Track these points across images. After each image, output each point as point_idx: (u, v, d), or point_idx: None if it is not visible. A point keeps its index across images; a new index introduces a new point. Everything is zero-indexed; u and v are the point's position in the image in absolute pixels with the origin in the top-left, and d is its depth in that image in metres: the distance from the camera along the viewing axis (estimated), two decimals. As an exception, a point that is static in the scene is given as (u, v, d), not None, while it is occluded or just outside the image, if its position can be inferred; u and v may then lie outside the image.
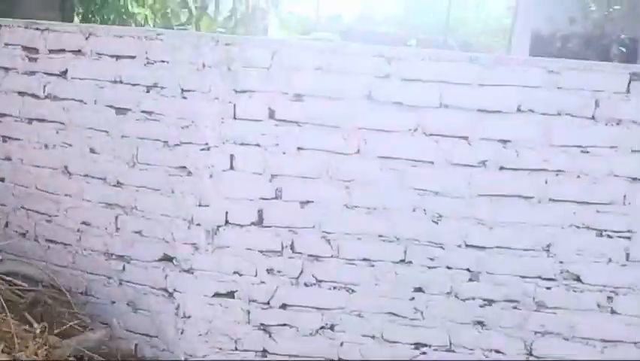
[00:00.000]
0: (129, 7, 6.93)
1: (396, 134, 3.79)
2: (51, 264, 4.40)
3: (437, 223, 3.80)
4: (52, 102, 4.31)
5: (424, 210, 3.81)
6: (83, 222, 4.30)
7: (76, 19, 7.55)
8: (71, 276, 4.35)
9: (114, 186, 4.18)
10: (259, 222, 3.96)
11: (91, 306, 4.29)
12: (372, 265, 3.88)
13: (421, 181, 3.79)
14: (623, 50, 9.34)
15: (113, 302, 4.26)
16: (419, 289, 3.86)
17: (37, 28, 4.35)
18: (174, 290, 4.11)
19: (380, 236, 3.86)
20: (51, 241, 4.41)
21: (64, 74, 4.26)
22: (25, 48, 4.39)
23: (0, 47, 4.47)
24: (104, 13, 7.12)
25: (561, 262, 3.74)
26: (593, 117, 3.65)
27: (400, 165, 3.80)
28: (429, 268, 3.84)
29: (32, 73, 4.36)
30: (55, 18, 6.55)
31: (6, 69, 4.45)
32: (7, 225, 4.54)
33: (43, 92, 4.33)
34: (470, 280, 3.82)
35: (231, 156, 3.94)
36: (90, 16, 7.85)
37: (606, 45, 9.59)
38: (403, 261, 3.85)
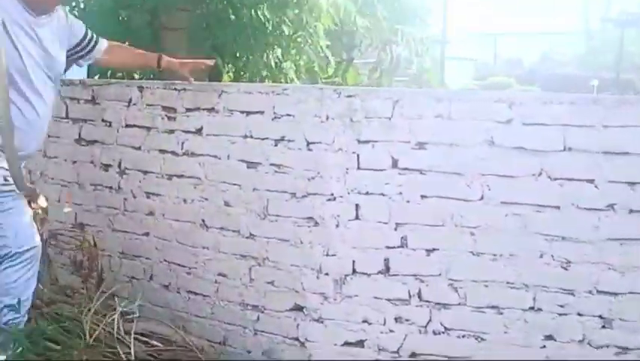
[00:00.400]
0: (271, 63, 7.15)
1: (519, 179, 3.74)
2: (192, 315, 4.56)
3: (566, 269, 3.71)
4: (189, 158, 4.51)
5: (552, 255, 3.73)
6: (220, 274, 4.44)
7: (226, 77, 7.83)
8: (210, 326, 4.49)
9: (247, 238, 4.31)
10: (386, 270, 3.98)
11: (228, 356, 4.40)
12: (501, 313, 3.82)
13: (547, 226, 3.72)
14: None
15: (249, 352, 4.36)
16: (550, 337, 3.76)
17: (174, 89, 4.58)
18: (306, 339, 4.18)
19: (508, 283, 3.80)
20: (191, 292, 4.58)
21: (199, 131, 4.45)
22: (164, 108, 4.61)
23: (142, 107, 4.72)
24: (251, 70, 7.36)
25: (698, 307, 3.58)
26: None
27: (524, 210, 3.74)
28: (559, 315, 3.74)
29: (171, 131, 4.58)
30: (203, 77, 6.82)
31: (148, 128, 4.69)
32: (151, 277, 4.75)
33: (181, 149, 4.53)
34: (603, 327, 3.69)
35: (356, 206, 4.00)
36: (242, 73, 8.12)
37: None
38: (532, 308, 3.77)
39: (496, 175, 3.78)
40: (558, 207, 3.70)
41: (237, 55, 7.39)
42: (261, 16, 6.78)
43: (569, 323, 3.73)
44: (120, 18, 7.03)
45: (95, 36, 4.39)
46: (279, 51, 7.49)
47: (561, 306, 3.73)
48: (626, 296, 3.65)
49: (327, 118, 4.03)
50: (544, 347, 3.77)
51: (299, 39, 7.21)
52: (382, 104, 3.94)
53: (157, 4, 6.57)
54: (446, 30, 28.38)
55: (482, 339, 3.86)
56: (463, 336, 3.89)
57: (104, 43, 4.43)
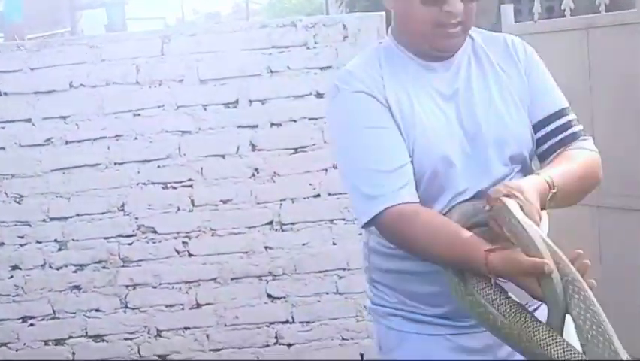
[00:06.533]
0: None
1: (-39, 124, 4.04)
2: None
3: (20, 203, 4.06)
4: None
5: (6, 193, 4.05)
6: None
7: None
8: None
9: None
10: None
11: None
12: (-34, 254, 4.11)
13: (-2, 167, 4.05)
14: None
15: None
16: (16, 267, 4.09)
17: None
18: None
19: (-27, 223, 4.09)
20: None
21: None
22: None
23: None
24: None
25: (137, 218, 4.06)
26: (137, 82, 3.97)
27: (-29, 153, 4.05)
28: (21, 245, 4.08)
29: None
30: None
31: None
32: None
33: None
34: (60, 249, 4.08)
35: None
36: None
37: None
38: (-3, 243, 4.10)
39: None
40: (4, 148, 4.03)
41: None
42: None
43: (31, 251, 4.08)
44: None
45: None
46: None
47: (21, 237, 4.08)
48: (75, 218, 4.06)
49: None
50: (12, 277, 4.10)
51: None
52: None
53: None
54: None
55: None
56: None
57: None
